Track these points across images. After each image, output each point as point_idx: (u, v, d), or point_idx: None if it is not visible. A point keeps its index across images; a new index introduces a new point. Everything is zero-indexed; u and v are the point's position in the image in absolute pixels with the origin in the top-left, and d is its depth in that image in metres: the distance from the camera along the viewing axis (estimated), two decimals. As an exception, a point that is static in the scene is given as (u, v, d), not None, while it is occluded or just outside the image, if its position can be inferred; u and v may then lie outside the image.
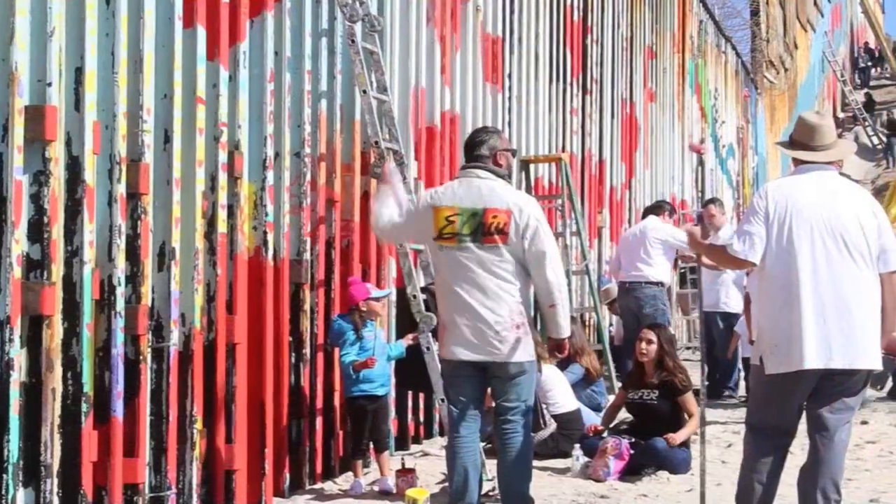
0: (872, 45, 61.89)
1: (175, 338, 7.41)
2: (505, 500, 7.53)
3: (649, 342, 10.06)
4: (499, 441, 7.53)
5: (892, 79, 58.36)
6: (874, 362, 6.69)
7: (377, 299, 9.09)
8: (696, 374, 9.98)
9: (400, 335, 9.85)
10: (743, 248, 6.74)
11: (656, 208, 15.11)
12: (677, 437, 9.69)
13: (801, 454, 6.92)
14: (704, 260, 7.84)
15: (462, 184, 7.47)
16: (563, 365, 11.37)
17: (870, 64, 59.94)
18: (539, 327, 10.93)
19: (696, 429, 9.76)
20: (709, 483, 7.90)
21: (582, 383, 11.84)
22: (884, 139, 47.02)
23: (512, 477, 7.46)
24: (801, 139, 6.97)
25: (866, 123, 49.97)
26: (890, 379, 13.87)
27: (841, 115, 52.37)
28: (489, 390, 7.56)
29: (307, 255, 9.08)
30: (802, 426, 6.85)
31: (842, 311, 6.56)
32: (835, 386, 6.66)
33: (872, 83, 58.23)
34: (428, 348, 8.87)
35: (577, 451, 9.91)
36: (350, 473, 9.16)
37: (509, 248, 7.25)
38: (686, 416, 9.87)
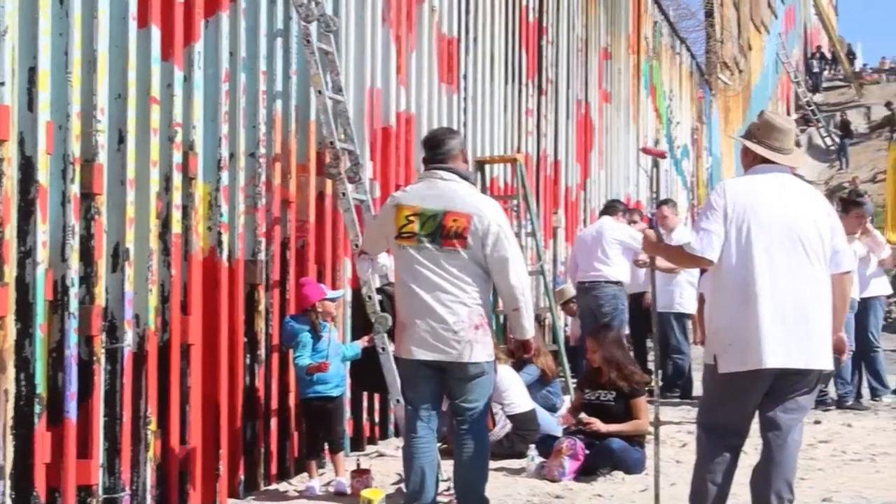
0: (825, 48, 62.29)
1: (129, 339, 7.38)
2: (461, 501, 7.54)
3: (592, 351, 10.16)
4: (456, 441, 7.54)
5: (844, 80, 58.77)
6: (828, 362, 6.73)
7: (332, 300, 9.09)
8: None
9: (355, 335, 9.84)
10: (701, 245, 6.73)
11: (609, 208, 15.19)
12: (602, 426, 9.69)
13: (755, 453, 6.95)
14: (660, 263, 7.86)
15: (426, 185, 7.48)
16: (518, 366, 11.39)
17: (824, 68, 60.23)
18: (495, 328, 10.93)
19: (632, 429, 9.81)
20: (663, 483, 7.94)
21: (537, 384, 11.86)
22: (837, 140, 47.36)
23: (468, 477, 7.47)
24: (767, 139, 6.97)
25: (819, 125, 50.32)
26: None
27: (794, 115, 52.71)
28: (447, 391, 7.57)
29: (262, 256, 9.06)
30: (755, 425, 6.88)
31: (799, 310, 6.59)
32: (789, 386, 6.68)
33: (825, 84, 58.63)
34: (383, 349, 8.86)
35: (533, 451, 9.94)
36: (305, 474, 9.15)
37: (468, 252, 7.24)
38: (634, 417, 9.88)
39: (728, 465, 6.82)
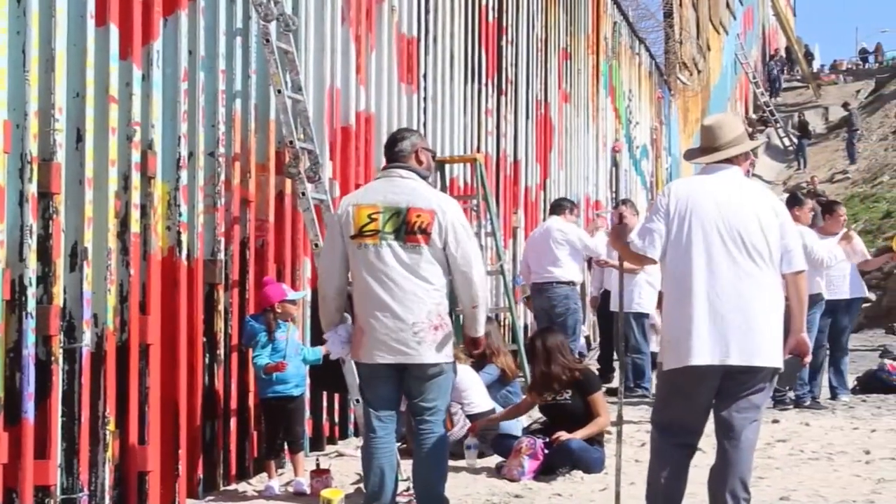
0: (781, 50, 62.58)
1: (87, 338, 7.35)
2: (420, 501, 7.54)
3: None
4: (415, 441, 7.55)
5: (802, 81, 59.05)
6: (773, 360, 6.74)
7: (293, 301, 9.07)
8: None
9: (314, 335, 9.82)
10: (642, 243, 6.88)
11: (557, 207, 15.17)
12: (567, 436, 9.68)
13: (713, 453, 6.98)
14: (626, 265, 7.94)
15: (385, 182, 7.47)
16: (478, 366, 11.41)
17: (782, 70, 60.40)
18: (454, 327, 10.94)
19: (597, 430, 9.82)
20: (623, 482, 7.95)
21: (497, 384, 11.87)
22: (795, 140, 47.58)
23: (428, 477, 7.48)
24: (704, 143, 7.09)
25: (777, 125, 50.56)
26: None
27: (753, 115, 52.94)
28: (405, 391, 7.57)
29: (221, 256, 9.04)
30: (712, 425, 6.91)
31: (740, 308, 6.62)
32: (738, 385, 6.72)
33: (784, 86, 58.86)
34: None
35: (471, 440, 10.00)
36: (264, 474, 9.13)
37: (430, 248, 7.25)
38: (594, 415, 9.88)
39: (681, 463, 6.86)
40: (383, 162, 7.82)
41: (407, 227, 7.26)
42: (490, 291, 15.36)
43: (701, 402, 6.84)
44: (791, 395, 13.65)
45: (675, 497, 6.85)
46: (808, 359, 7.29)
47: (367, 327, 7.33)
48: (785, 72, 60.73)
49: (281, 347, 8.82)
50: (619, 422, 7.92)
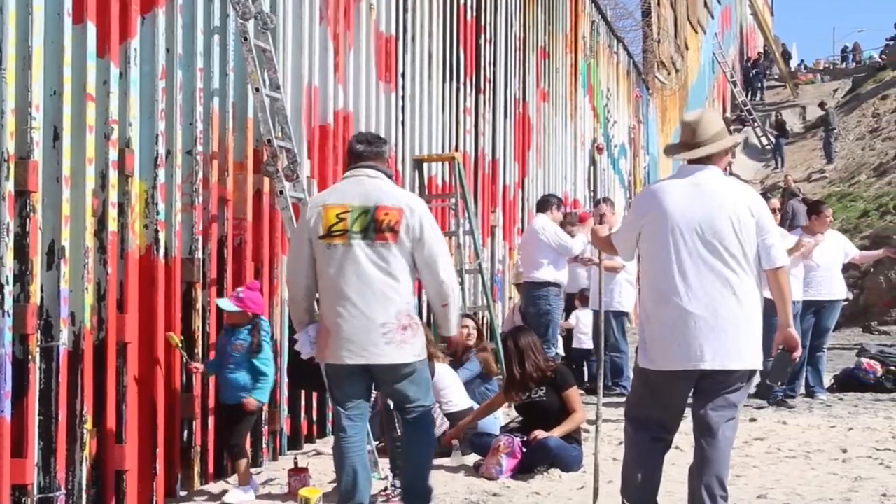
0: (760, 52, 62.81)
1: (64, 337, 7.33)
2: (406, 497, 7.54)
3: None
4: (403, 438, 7.60)
5: (780, 80, 59.19)
6: (749, 363, 6.75)
7: (221, 308, 8.95)
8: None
9: (290, 334, 9.79)
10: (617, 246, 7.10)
11: (544, 203, 15.02)
12: (544, 434, 9.66)
13: (692, 451, 6.98)
14: (607, 263, 7.98)
15: (352, 182, 7.47)
16: (460, 361, 11.46)
17: (762, 72, 60.49)
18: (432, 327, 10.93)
19: (574, 426, 9.82)
20: (600, 480, 7.96)
21: (477, 381, 11.88)
22: (772, 139, 47.69)
23: (414, 473, 7.52)
24: (684, 139, 7.06)
25: (755, 124, 50.68)
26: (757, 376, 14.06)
27: (730, 115, 53.02)
28: (382, 392, 7.58)
29: (199, 254, 9.02)
30: (690, 423, 6.93)
31: (713, 311, 6.63)
32: (714, 385, 6.74)
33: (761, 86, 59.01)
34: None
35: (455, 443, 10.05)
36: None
37: (399, 246, 7.27)
38: (569, 411, 9.88)
39: (655, 458, 6.88)
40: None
41: (375, 226, 7.27)
42: (468, 290, 15.37)
43: (676, 402, 6.87)
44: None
45: (649, 490, 6.87)
46: (798, 352, 7.25)
47: (334, 327, 7.32)
48: (765, 75, 60.84)
49: (223, 352, 8.85)
50: (597, 421, 7.93)
